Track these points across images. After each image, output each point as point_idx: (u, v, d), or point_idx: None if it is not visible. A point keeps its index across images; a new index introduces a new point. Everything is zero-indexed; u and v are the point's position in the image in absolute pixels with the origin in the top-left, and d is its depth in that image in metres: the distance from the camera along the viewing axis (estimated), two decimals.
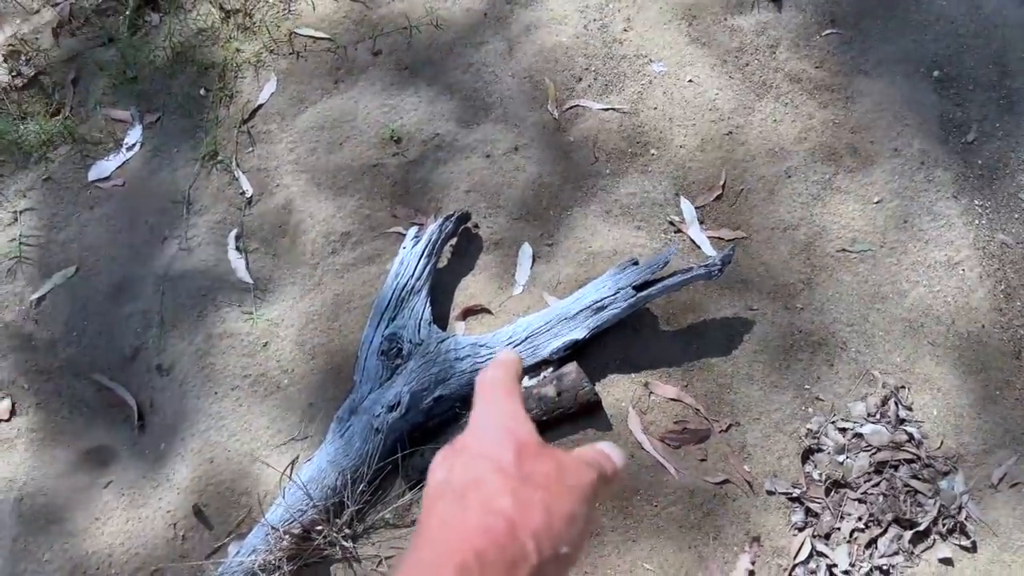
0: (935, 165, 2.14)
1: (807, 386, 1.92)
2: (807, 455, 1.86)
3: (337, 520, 1.79)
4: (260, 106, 2.43)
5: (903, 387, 1.90)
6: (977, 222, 2.08)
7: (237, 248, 2.23)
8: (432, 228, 2.07)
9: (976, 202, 2.10)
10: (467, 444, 0.52)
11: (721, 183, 2.19)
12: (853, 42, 2.33)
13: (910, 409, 1.88)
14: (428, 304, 2.01)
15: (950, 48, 2.30)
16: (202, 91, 2.49)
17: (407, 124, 2.33)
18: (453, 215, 2.11)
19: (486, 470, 0.49)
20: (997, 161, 2.15)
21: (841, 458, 1.84)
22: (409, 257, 2.04)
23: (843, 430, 1.87)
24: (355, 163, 2.29)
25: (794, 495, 1.81)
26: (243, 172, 2.33)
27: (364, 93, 2.40)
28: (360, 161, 2.29)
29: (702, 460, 1.86)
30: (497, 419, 0.53)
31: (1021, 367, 1.91)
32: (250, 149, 2.37)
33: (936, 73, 2.25)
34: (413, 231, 2.10)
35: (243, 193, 2.30)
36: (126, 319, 2.17)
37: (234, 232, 2.25)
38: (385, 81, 2.42)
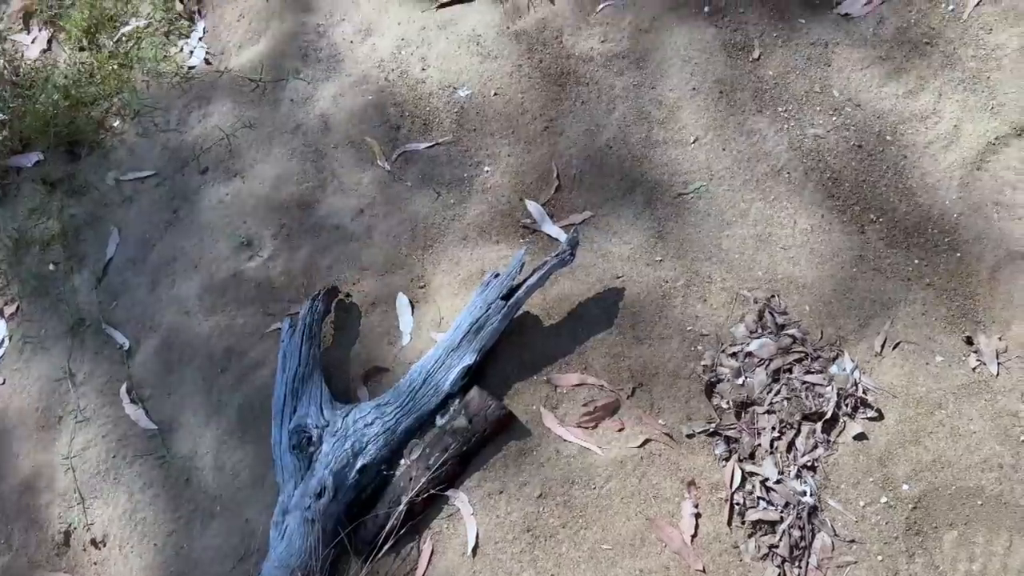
0: (733, 90, 2.28)
1: (689, 327, 2.02)
2: (710, 389, 1.95)
3: None
4: (110, 260, 2.46)
5: (772, 296, 2.01)
6: (786, 126, 2.22)
7: (132, 400, 2.24)
8: (303, 312, 2.12)
9: (780, 109, 2.24)
10: None
11: (555, 175, 2.29)
12: (627, 7, 2.47)
13: (785, 313, 1.99)
14: (323, 385, 2.05)
15: None
16: (51, 266, 2.50)
17: (252, 225, 2.38)
18: (319, 293, 2.17)
19: None
20: (786, 67, 2.30)
21: (740, 380, 1.93)
22: (290, 348, 2.08)
23: (734, 355, 1.96)
24: (215, 279, 2.33)
25: (711, 430, 1.90)
26: (114, 328, 2.34)
27: (204, 211, 2.45)
28: (220, 276, 2.33)
29: (620, 430, 1.93)
30: None
31: (866, 242, 2.04)
32: (114, 303, 2.38)
33: (706, 8, 2.40)
34: (287, 322, 2.14)
35: (120, 347, 2.31)
36: (47, 508, 2.16)
37: (124, 386, 2.26)
38: (220, 192, 2.47)
